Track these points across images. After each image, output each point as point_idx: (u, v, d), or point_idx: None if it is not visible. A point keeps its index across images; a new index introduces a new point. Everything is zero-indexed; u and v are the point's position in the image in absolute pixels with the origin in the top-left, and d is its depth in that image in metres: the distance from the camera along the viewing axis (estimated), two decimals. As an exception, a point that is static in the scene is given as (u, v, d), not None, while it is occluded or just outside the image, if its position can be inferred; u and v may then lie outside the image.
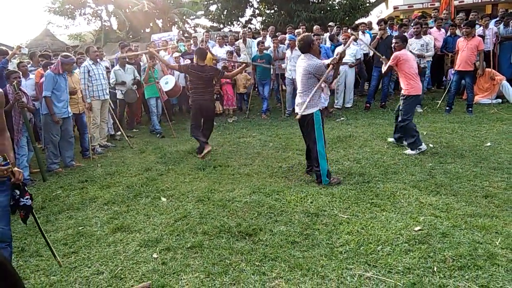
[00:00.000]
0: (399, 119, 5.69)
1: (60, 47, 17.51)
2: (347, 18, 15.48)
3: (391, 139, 6.14)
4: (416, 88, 5.57)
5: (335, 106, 9.14)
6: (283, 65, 9.13)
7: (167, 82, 8.26)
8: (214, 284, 2.78)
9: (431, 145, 5.79)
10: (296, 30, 9.86)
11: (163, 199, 4.46)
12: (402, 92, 5.70)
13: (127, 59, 8.35)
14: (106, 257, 3.27)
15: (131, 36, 22.72)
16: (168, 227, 3.72)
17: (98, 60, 7.14)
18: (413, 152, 5.48)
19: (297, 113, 4.66)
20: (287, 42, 8.95)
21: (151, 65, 8.03)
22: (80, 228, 3.88)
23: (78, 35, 25.61)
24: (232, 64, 9.44)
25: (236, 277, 2.83)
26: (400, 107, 5.69)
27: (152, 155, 6.48)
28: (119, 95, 8.19)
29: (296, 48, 8.66)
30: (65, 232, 3.81)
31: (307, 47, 4.57)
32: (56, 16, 24.79)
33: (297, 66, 4.73)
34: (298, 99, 4.73)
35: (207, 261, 3.06)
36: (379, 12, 20.04)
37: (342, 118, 8.25)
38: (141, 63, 8.97)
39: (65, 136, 6.08)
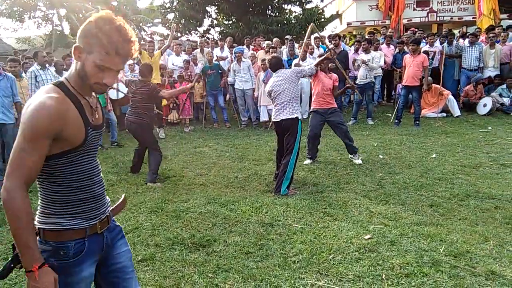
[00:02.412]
0: (345, 130, 5.76)
1: (7, 51, 16.61)
2: (303, 32, 15.87)
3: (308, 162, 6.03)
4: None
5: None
6: (228, 78, 9.21)
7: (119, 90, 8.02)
8: (165, 298, 2.70)
9: (380, 156, 6.02)
10: (266, 42, 10.03)
11: (114, 210, 4.30)
12: (327, 106, 5.75)
13: (64, 66, 8.03)
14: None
15: (84, 42, 21.95)
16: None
17: (47, 65, 6.84)
18: (360, 160, 5.74)
19: (282, 120, 4.78)
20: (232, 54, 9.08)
21: None
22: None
23: (27, 38, 24.42)
24: (189, 73, 9.38)
25: (188, 290, 2.77)
26: (338, 121, 5.74)
27: (103, 165, 6.25)
28: None
29: (244, 60, 8.82)
30: (5, 246, 3.56)
31: (279, 65, 4.91)
32: (3, 18, 23.53)
33: (274, 83, 4.84)
34: (279, 107, 4.79)
35: (159, 274, 2.97)
36: (333, 28, 20.75)
37: (297, 129, 8.39)
38: None
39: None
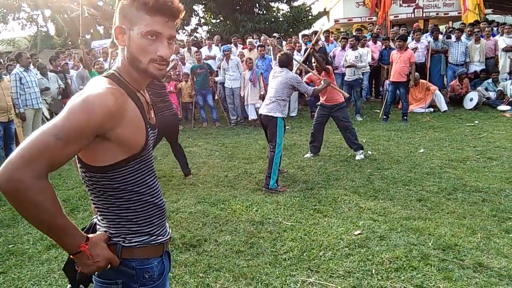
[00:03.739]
0: (349, 128, 5.79)
1: (-10, 53, 16.32)
2: (291, 29, 15.90)
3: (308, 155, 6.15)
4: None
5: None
6: (216, 78, 9.18)
7: None
8: (156, 299, 2.69)
9: (369, 152, 6.05)
10: (248, 40, 10.00)
11: (103, 212, 4.26)
12: (332, 103, 5.79)
13: (50, 67, 7.94)
14: (39, 276, 3.05)
15: (69, 43, 21.71)
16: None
17: (31, 67, 6.76)
18: (362, 156, 5.76)
19: (261, 114, 4.95)
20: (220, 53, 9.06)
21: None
22: (11, 246, 3.61)
23: (12, 40, 24.04)
24: (178, 72, 9.33)
25: (179, 290, 2.76)
26: (341, 117, 5.80)
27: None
28: (44, 105, 7.47)
29: (232, 58, 8.81)
30: None
31: (285, 63, 4.98)
32: (-14, 21, 23.13)
33: (273, 76, 5.02)
34: (267, 101, 4.94)
35: (149, 275, 2.95)
36: (321, 25, 20.80)
37: (287, 127, 8.39)
38: (73, 71, 8.66)
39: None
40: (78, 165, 1.23)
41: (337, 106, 5.81)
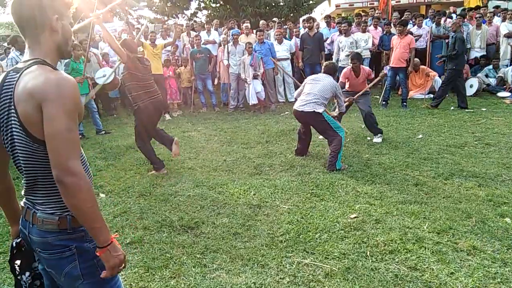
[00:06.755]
0: (370, 113, 5.92)
1: (-11, 37, 16.21)
2: (291, 14, 15.75)
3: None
4: None
5: (279, 101, 9.29)
6: (224, 60, 9.08)
7: (105, 75, 7.80)
8: (154, 279, 2.74)
9: (368, 138, 6.06)
10: (244, 24, 9.87)
11: (102, 195, 4.30)
12: (362, 90, 5.99)
13: None
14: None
15: (69, 27, 21.49)
16: (106, 223, 3.58)
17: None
18: (380, 139, 5.90)
19: (302, 111, 5.04)
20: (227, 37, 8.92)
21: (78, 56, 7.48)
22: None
23: (10, 24, 23.82)
24: (176, 57, 9.28)
25: (176, 270, 2.81)
26: (368, 104, 6.02)
27: (91, 150, 6.21)
28: None
29: (240, 43, 8.75)
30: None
31: (331, 71, 5.26)
32: (-16, 4, 22.86)
33: (316, 79, 5.17)
34: (309, 98, 5.00)
35: (147, 256, 3.00)
36: (322, 10, 20.56)
37: (286, 112, 8.40)
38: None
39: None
40: (34, 146, 1.34)
41: (366, 93, 6.01)
